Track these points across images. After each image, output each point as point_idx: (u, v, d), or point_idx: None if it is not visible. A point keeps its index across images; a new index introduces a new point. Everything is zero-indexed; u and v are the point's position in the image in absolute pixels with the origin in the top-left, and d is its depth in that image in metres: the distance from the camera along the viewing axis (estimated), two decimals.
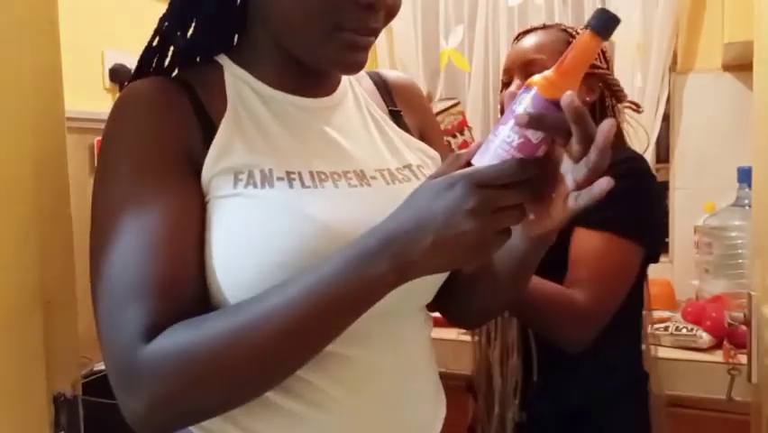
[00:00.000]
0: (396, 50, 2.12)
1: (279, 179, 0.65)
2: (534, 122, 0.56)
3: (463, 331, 1.40)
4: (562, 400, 1.07)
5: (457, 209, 0.54)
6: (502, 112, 1.17)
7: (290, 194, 0.64)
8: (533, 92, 0.58)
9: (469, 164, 0.59)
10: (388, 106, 0.82)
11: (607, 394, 1.06)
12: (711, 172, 1.81)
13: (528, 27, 1.17)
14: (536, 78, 0.58)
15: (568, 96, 0.54)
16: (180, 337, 0.56)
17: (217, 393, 0.57)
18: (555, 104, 0.56)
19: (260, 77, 0.72)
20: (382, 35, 2.35)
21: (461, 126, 1.30)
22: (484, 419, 1.14)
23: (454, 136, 1.21)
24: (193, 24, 0.72)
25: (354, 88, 0.80)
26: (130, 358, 0.56)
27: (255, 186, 0.64)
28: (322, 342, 0.59)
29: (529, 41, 1.12)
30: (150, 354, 0.56)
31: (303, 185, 0.66)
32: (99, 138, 1.81)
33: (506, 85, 1.14)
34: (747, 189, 1.59)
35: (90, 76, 1.84)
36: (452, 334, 1.33)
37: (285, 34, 0.68)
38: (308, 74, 0.72)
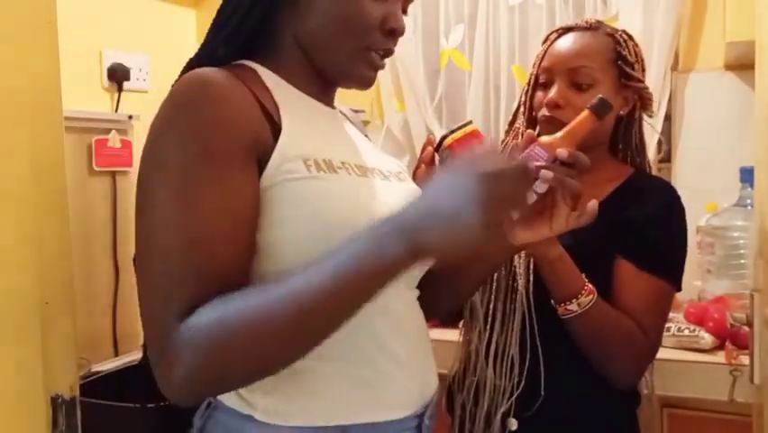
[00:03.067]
0: (396, 50, 2.10)
1: (338, 167, 0.73)
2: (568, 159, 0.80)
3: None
4: (561, 402, 1.05)
5: (467, 199, 0.60)
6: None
7: (350, 180, 0.74)
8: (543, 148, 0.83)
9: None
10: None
11: (602, 393, 1.06)
12: (713, 172, 1.80)
13: (571, 24, 1.11)
14: (545, 138, 0.84)
15: (563, 151, 0.81)
16: (213, 314, 0.62)
17: (244, 366, 0.63)
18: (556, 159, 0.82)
19: (291, 82, 0.80)
20: None
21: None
22: (464, 419, 1.12)
23: None
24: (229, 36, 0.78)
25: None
26: (168, 335, 0.62)
27: (324, 171, 0.71)
28: (340, 319, 0.64)
29: (575, 44, 1.06)
30: (187, 330, 0.62)
31: (356, 174, 0.76)
32: (98, 137, 1.81)
33: (543, 85, 1.09)
34: (750, 189, 1.58)
35: (88, 75, 1.83)
36: (455, 335, 1.31)
37: (318, 52, 0.79)
38: (324, 87, 0.84)
